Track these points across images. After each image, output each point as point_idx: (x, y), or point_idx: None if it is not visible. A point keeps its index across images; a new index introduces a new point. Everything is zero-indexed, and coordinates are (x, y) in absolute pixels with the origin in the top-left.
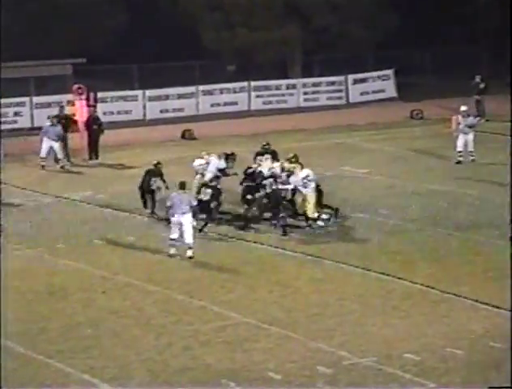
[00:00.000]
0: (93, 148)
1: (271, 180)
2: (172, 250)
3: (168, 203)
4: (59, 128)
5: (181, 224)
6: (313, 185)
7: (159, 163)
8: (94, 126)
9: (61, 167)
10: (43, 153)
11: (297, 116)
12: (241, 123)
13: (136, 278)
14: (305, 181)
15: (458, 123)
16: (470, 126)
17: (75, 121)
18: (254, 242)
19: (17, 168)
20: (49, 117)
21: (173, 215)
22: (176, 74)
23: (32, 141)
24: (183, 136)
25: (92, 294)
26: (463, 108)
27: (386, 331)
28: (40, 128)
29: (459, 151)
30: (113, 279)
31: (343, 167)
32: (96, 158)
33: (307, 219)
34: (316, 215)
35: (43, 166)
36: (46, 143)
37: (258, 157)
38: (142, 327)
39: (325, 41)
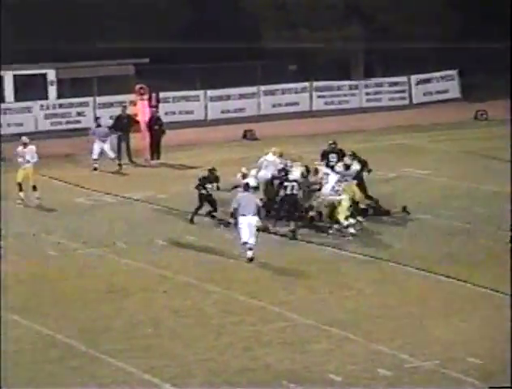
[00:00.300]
0: (155, 149)
1: (295, 184)
2: (250, 253)
3: (235, 205)
4: (105, 128)
5: (250, 226)
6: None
7: (214, 168)
8: (155, 127)
9: (119, 165)
10: (95, 155)
11: (359, 116)
12: (303, 123)
13: (196, 278)
14: (336, 189)
15: None
16: None
17: (137, 122)
18: (315, 243)
19: (79, 168)
20: (97, 119)
21: (241, 217)
22: (237, 74)
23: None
24: (244, 136)
25: (153, 294)
26: None
27: (448, 334)
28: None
29: None
30: (173, 279)
31: (405, 168)
32: (158, 158)
33: (337, 223)
34: (345, 223)
35: (95, 168)
36: (97, 145)
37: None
38: (202, 327)
39: (388, 41)
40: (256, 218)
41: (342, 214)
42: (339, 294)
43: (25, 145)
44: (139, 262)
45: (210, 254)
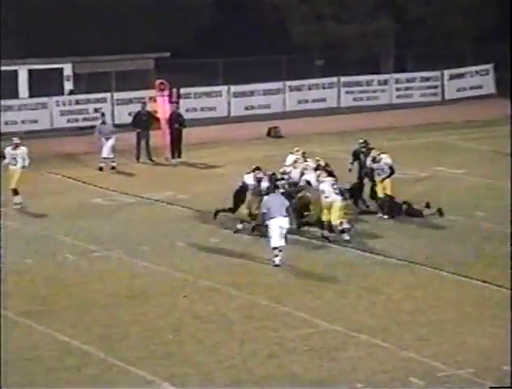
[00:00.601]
0: (175, 147)
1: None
2: (277, 260)
3: (265, 209)
4: (110, 125)
5: (281, 228)
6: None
7: (258, 168)
8: (176, 124)
9: (100, 168)
10: (105, 153)
11: (389, 113)
12: (330, 121)
13: (219, 282)
14: (334, 187)
15: None
16: None
17: (157, 119)
18: (342, 246)
19: (96, 166)
20: (103, 115)
21: (272, 220)
22: (262, 69)
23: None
24: (269, 134)
25: (174, 298)
26: None
27: (483, 341)
28: (120, 125)
29: None
30: (195, 283)
31: (437, 167)
32: (179, 157)
33: (330, 228)
34: (340, 227)
35: (100, 168)
36: (104, 142)
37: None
38: (225, 333)
39: (419, 34)
40: (286, 219)
41: (334, 214)
42: (368, 299)
43: (16, 146)
44: (160, 265)
45: (233, 257)
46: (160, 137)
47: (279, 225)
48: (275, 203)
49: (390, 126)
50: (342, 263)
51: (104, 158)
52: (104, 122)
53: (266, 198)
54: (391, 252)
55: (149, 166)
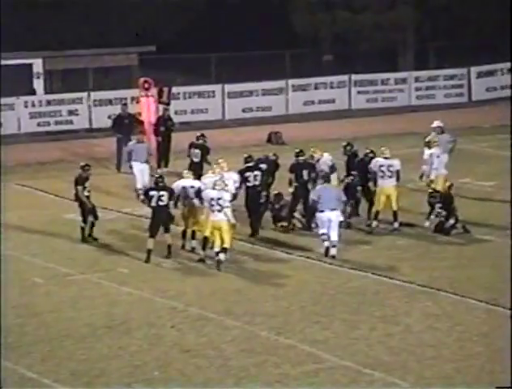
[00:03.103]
0: (162, 154)
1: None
2: (334, 251)
3: (315, 197)
4: (147, 145)
5: (329, 221)
6: None
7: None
8: (162, 128)
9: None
10: (139, 183)
11: (408, 116)
12: (340, 125)
13: (212, 310)
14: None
15: None
16: None
17: (141, 122)
18: (354, 269)
19: (70, 177)
20: (137, 133)
21: (319, 214)
22: (261, 65)
23: (90, 144)
24: (269, 140)
25: (160, 329)
26: None
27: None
28: (99, 130)
29: None
30: (184, 312)
31: (463, 179)
32: (166, 166)
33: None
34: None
35: (143, 201)
36: (137, 168)
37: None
38: (218, 370)
39: (444, 25)
40: (337, 212)
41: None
42: (384, 331)
43: None
44: (143, 290)
45: (228, 282)
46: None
47: (327, 218)
48: (328, 194)
49: (409, 132)
50: (353, 289)
51: (140, 189)
52: (140, 141)
53: (318, 187)
54: (410, 276)
55: (132, 177)
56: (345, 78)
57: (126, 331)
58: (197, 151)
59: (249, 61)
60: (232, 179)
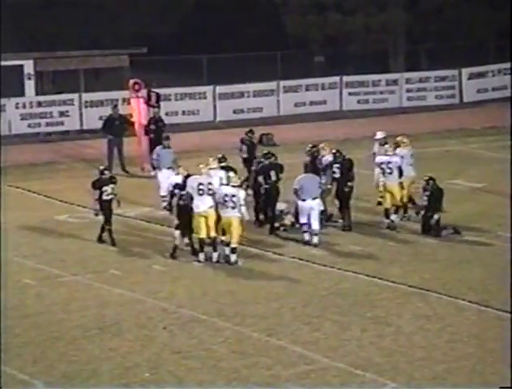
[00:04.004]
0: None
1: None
2: (316, 239)
3: (297, 186)
4: (172, 151)
5: (311, 209)
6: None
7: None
8: (153, 129)
9: (166, 208)
10: (163, 190)
11: (399, 118)
12: (331, 126)
13: (204, 312)
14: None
15: None
16: None
17: (132, 123)
18: (345, 270)
19: (61, 178)
20: (168, 139)
21: (301, 202)
22: (253, 66)
23: (82, 145)
24: (260, 141)
25: (151, 331)
26: None
27: (508, 381)
28: (90, 131)
29: None
30: (176, 313)
31: (454, 180)
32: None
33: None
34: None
35: (166, 208)
36: (163, 175)
37: None
38: (210, 371)
39: (435, 27)
40: (318, 201)
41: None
42: (375, 332)
43: None
44: (135, 292)
45: (219, 283)
46: (135, 144)
47: (309, 206)
48: (309, 183)
49: (401, 133)
50: (344, 290)
51: (164, 196)
52: (166, 147)
53: (299, 176)
54: (401, 277)
55: (123, 178)
56: (336, 79)
57: (118, 333)
58: (244, 147)
59: (241, 63)
60: (219, 176)
